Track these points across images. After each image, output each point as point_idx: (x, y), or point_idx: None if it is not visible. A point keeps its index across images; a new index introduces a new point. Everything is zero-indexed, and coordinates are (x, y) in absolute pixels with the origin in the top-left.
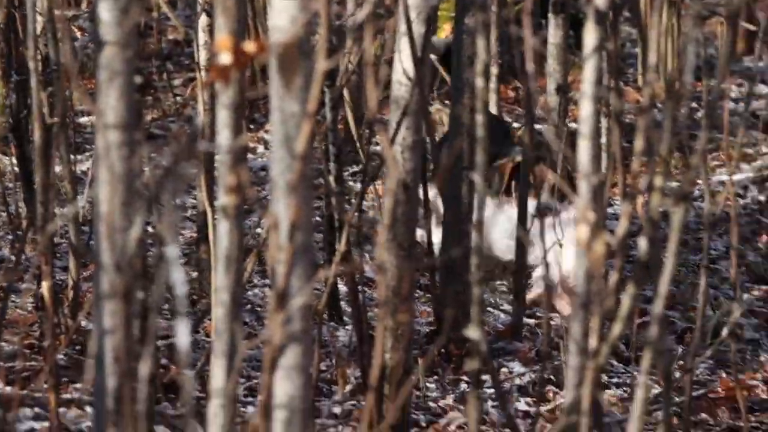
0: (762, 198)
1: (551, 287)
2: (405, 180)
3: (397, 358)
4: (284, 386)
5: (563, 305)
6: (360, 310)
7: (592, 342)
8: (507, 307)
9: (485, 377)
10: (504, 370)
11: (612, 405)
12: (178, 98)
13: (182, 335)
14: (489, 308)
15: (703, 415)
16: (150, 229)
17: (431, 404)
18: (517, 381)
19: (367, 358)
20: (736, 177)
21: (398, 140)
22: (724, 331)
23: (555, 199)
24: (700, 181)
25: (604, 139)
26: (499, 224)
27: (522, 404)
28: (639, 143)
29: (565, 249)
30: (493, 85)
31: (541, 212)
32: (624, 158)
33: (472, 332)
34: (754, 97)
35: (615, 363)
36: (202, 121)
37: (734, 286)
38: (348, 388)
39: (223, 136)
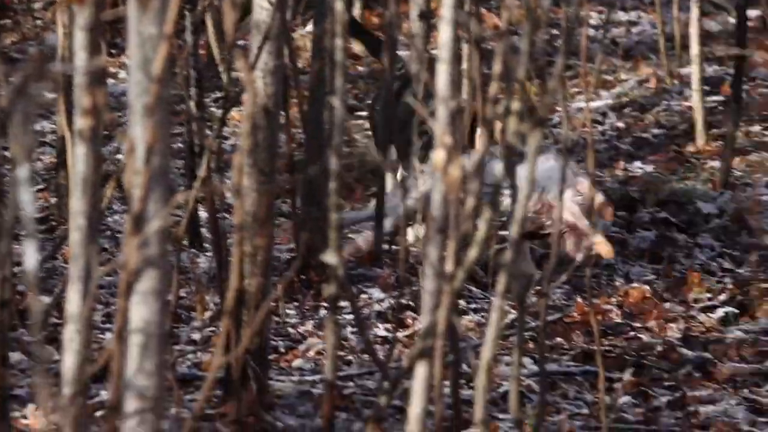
0: (620, 124)
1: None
2: (266, 105)
3: (255, 284)
4: (140, 311)
5: (571, 245)
6: (219, 236)
7: (449, 266)
8: (370, 233)
9: (344, 303)
10: (363, 296)
11: (469, 330)
12: (38, 21)
13: (30, 256)
14: (350, 235)
15: (559, 339)
16: (5, 153)
17: (291, 330)
18: (377, 307)
19: (227, 284)
20: (596, 104)
21: (259, 65)
22: (579, 257)
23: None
24: (559, 108)
25: (465, 65)
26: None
27: (381, 330)
28: (497, 68)
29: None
30: (357, 11)
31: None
32: (484, 84)
33: (330, 257)
34: (613, 23)
35: (473, 289)
36: (60, 44)
37: (590, 211)
38: (207, 314)
39: (79, 58)
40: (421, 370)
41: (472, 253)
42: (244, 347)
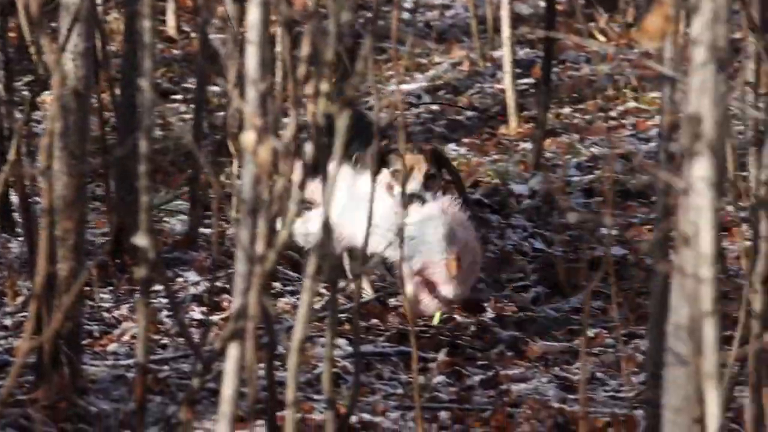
0: (435, 107)
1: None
2: (76, 87)
3: (67, 268)
4: None
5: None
6: (31, 220)
7: (259, 248)
8: (184, 217)
9: (159, 287)
10: (179, 279)
11: (285, 312)
12: None
13: None
14: (165, 219)
15: (374, 321)
16: None
17: (105, 315)
18: (192, 290)
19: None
20: (410, 86)
21: (69, 48)
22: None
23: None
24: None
25: (279, 48)
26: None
27: (197, 313)
28: (305, 49)
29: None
30: None
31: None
32: (294, 67)
33: (140, 240)
34: (427, 7)
35: (291, 272)
36: None
37: (402, 189)
38: (19, 299)
39: None
40: (233, 352)
41: (283, 234)
42: (54, 331)
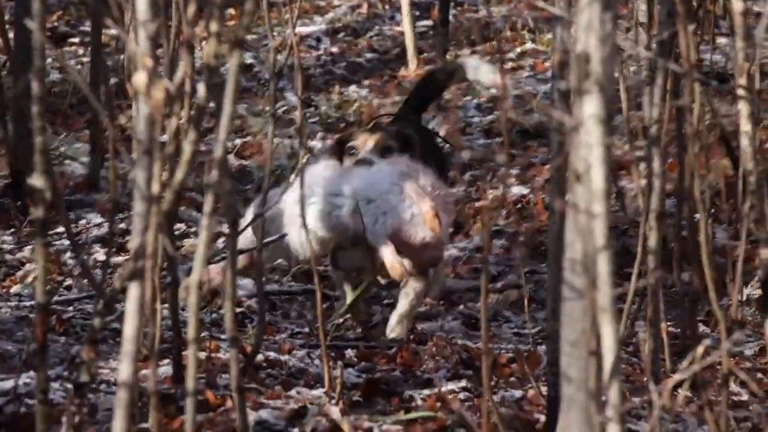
0: (335, 49)
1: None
2: None
3: None
4: None
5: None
6: None
7: (155, 188)
8: (85, 159)
9: (63, 229)
10: (82, 221)
11: (191, 253)
12: None
13: None
14: (66, 160)
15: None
16: None
17: (8, 257)
18: (95, 232)
19: None
20: (309, 29)
21: None
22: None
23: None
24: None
25: None
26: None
27: (101, 254)
28: None
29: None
30: None
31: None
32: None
33: (36, 180)
34: None
35: (194, 212)
36: None
37: (301, 134)
38: None
39: None
40: (133, 292)
41: (179, 174)
42: None
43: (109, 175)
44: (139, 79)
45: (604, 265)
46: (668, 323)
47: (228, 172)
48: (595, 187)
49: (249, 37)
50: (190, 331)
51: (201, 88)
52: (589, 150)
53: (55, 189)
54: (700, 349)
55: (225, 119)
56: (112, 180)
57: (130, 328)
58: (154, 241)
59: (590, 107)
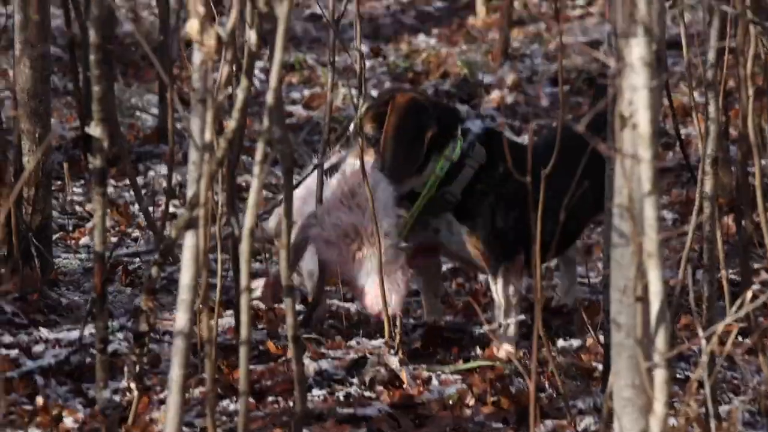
0: None
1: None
2: None
3: (35, 161)
4: None
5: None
6: None
7: (208, 136)
8: (155, 110)
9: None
10: (151, 173)
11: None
12: None
13: None
14: (137, 112)
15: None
16: None
17: (78, 208)
18: (163, 183)
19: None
20: None
21: None
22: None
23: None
24: None
25: None
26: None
27: (171, 207)
28: None
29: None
30: None
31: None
32: None
33: (93, 130)
34: None
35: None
36: None
37: (360, 83)
38: None
39: None
40: (188, 241)
41: (231, 123)
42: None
43: (169, 125)
44: (192, 25)
45: (650, 210)
46: (729, 270)
47: (282, 121)
48: (641, 131)
49: None
50: (243, 280)
51: (252, 35)
52: (634, 93)
53: (122, 140)
54: (748, 294)
55: (276, 66)
56: (171, 130)
57: (185, 277)
58: (208, 190)
59: (637, 50)
